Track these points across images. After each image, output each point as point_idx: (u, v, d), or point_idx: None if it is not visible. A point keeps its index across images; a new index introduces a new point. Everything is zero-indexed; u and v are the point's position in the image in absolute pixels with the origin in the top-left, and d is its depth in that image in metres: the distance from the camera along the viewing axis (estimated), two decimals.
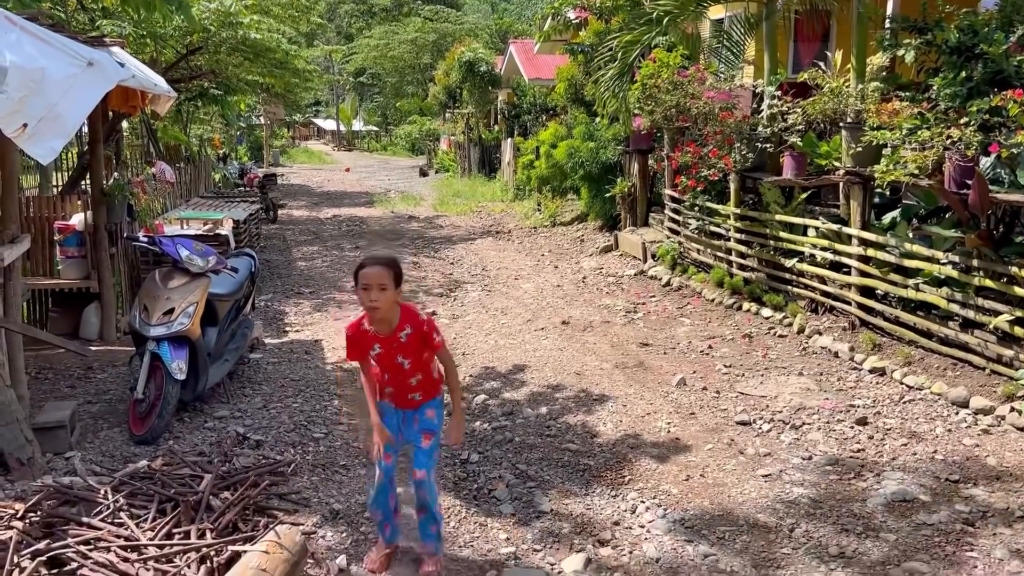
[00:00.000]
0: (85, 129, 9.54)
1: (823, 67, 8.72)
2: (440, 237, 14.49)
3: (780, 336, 7.38)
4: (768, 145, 8.27)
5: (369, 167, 35.73)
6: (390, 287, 3.49)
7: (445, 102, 31.56)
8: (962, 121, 5.99)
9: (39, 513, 3.73)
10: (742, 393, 6.05)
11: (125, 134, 12.40)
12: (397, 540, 3.89)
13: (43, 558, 3.30)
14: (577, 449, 5.17)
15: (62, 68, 4.16)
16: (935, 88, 6.57)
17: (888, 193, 7.27)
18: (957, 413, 5.42)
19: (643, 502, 4.43)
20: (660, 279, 9.83)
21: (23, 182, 10.02)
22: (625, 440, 5.29)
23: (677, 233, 10.19)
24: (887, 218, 7.00)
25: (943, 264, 6.03)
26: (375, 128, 55.63)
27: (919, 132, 6.14)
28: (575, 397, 6.12)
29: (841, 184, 7.47)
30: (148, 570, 3.27)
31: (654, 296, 9.30)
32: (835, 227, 7.22)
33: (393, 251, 12.93)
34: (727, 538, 4.05)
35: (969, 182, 5.70)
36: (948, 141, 5.88)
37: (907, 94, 6.95)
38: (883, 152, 6.61)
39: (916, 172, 6.01)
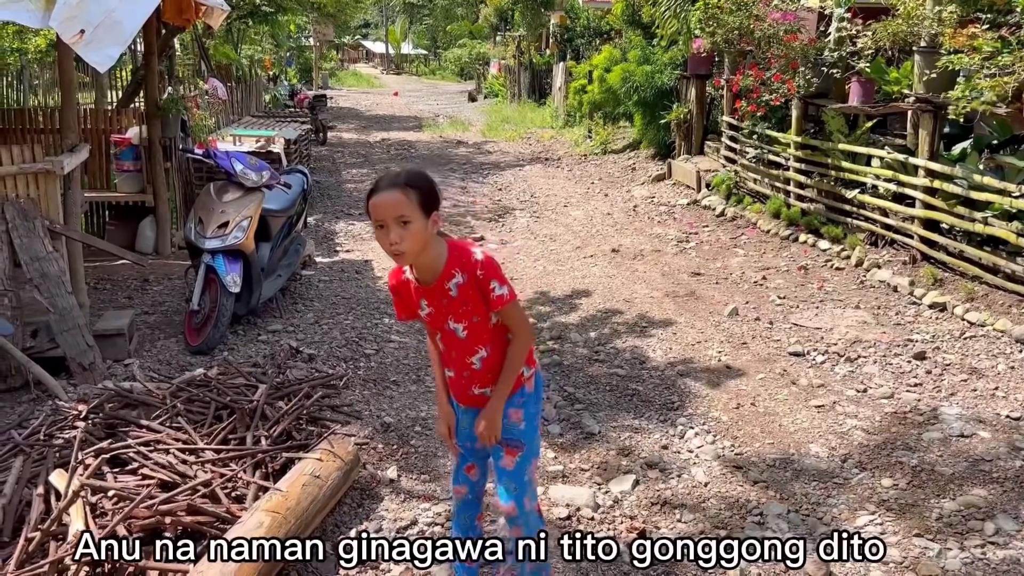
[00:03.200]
0: (140, 46, 9.55)
1: None
2: (488, 163, 14.35)
3: (837, 269, 7.21)
4: (834, 71, 7.93)
5: (418, 91, 35.43)
6: (415, 217, 2.34)
7: (496, 25, 30.95)
8: None
9: (101, 415, 3.83)
10: (796, 324, 5.94)
11: (177, 52, 12.40)
12: None
13: (106, 456, 3.40)
14: (626, 374, 5.14)
15: None
16: (1019, 10, 6.19)
17: (961, 122, 6.94)
18: (1021, 351, 5.25)
19: (692, 428, 4.41)
20: (714, 209, 9.63)
21: (78, 98, 10.09)
22: (675, 367, 5.25)
23: (733, 162, 9.94)
24: (957, 149, 6.71)
25: (1015, 197, 5.77)
26: (424, 51, 54.98)
27: (999, 57, 5.81)
28: (624, 323, 6.08)
29: (910, 113, 7.16)
30: (206, 472, 3.35)
31: (707, 226, 9.13)
32: (901, 157, 6.95)
33: (427, 167, 12.87)
34: (777, 466, 4.01)
35: None
36: None
37: (987, 16, 6.57)
38: (957, 80, 6.29)
39: (994, 99, 5.71)
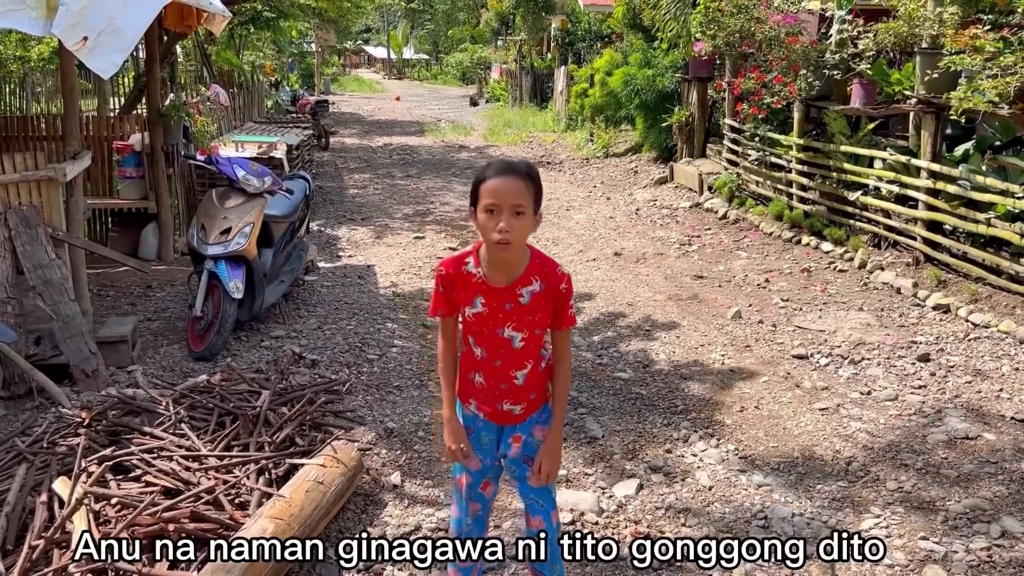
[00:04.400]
0: (142, 53, 9.58)
1: None
2: None
3: (840, 271, 7.20)
4: (836, 72, 7.93)
5: (419, 96, 35.47)
6: (529, 211, 2.32)
7: (497, 29, 30.99)
8: None
9: (104, 422, 3.83)
10: (799, 327, 5.93)
11: (179, 58, 12.43)
12: None
13: (109, 464, 3.39)
14: (629, 378, 5.14)
15: None
16: (1020, 11, 6.19)
17: (963, 123, 6.93)
18: None
19: (696, 431, 4.40)
20: (716, 212, 9.62)
21: (81, 105, 10.12)
22: (678, 370, 5.24)
23: (735, 164, 9.93)
24: (959, 150, 6.70)
25: (1018, 198, 5.76)
26: (426, 56, 55.07)
27: (1001, 57, 5.81)
28: (627, 327, 6.07)
29: (912, 114, 7.15)
30: (209, 479, 3.35)
31: (710, 229, 9.12)
32: (903, 159, 6.94)
33: (430, 172, 12.89)
34: (782, 469, 4.00)
35: None
36: None
37: (989, 17, 6.57)
38: (959, 81, 6.29)
39: (996, 100, 5.71)
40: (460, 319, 2.54)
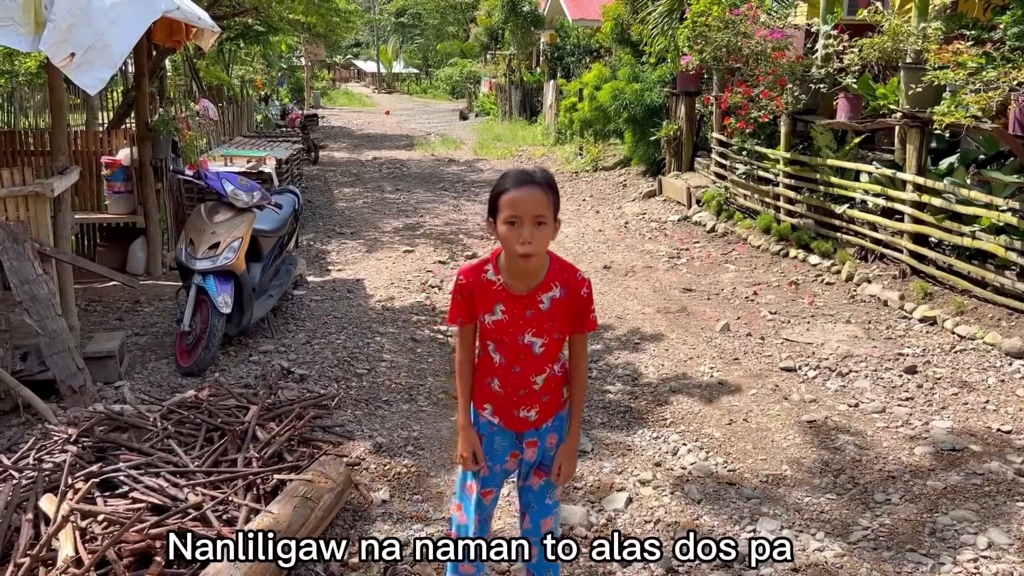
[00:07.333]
0: (131, 68, 9.57)
1: (881, 7, 8.37)
2: (480, 181, 14.38)
3: (828, 284, 7.24)
4: (822, 87, 8.01)
5: (409, 110, 35.55)
6: (550, 221, 2.33)
7: (487, 44, 31.07)
8: None
9: (91, 438, 3.81)
10: (787, 340, 5.96)
11: (168, 73, 12.43)
12: None
13: (96, 480, 3.37)
14: (618, 391, 5.14)
15: None
16: (1002, 27, 6.27)
17: (947, 136, 7.00)
18: (1011, 364, 5.27)
19: (685, 444, 4.41)
20: (704, 225, 9.67)
21: (69, 120, 10.10)
22: (667, 383, 5.25)
23: (723, 178, 9.99)
24: (944, 163, 6.77)
25: (1002, 211, 5.82)
26: (415, 70, 55.21)
27: (983, 72, 5.88)
28: (616, 340, 6.08)
29: (897, 128, 7.22)
30: (197, 495, 3.33)
31: (698, 242, 9.16)
32: (889, 172, 7.00)
33: (419, 186, 12.93)
34: (770, 482, 4.01)
35: None
36: (1014, 82, 5.62)
37: (972, 33, 6.65)
38: (943, 95, 6.36)
39: (978, 114, 5.77)
40: (488, 322, 2.52)
